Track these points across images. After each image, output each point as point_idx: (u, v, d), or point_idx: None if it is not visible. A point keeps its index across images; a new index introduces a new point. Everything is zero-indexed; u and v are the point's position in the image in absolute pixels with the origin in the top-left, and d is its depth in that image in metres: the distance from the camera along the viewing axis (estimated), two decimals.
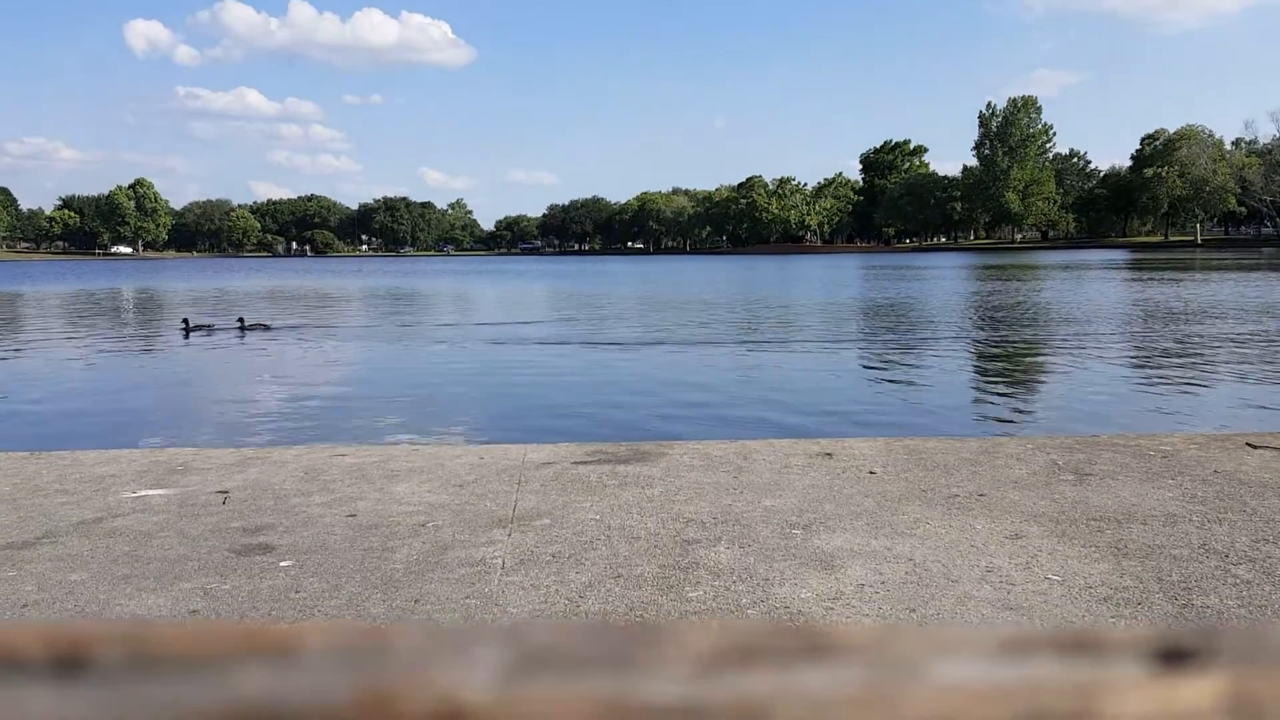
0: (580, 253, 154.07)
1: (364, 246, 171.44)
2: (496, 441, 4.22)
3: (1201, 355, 8.83)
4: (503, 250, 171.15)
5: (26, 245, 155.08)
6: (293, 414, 6.31)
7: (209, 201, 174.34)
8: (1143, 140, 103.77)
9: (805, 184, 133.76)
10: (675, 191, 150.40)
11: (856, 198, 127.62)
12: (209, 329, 12.78)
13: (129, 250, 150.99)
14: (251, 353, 10.24)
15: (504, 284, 31.07)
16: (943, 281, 26.30)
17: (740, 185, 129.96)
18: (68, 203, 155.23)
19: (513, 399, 7.05)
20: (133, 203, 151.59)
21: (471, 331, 12.94)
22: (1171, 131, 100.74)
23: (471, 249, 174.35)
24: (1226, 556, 1.89)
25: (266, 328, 13.01)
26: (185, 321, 13.18)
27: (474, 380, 7.99)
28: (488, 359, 9.62)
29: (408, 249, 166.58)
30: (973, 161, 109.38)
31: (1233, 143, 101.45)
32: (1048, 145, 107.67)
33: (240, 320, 13.15)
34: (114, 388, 8.05)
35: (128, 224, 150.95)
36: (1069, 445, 2.94)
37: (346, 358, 9.89)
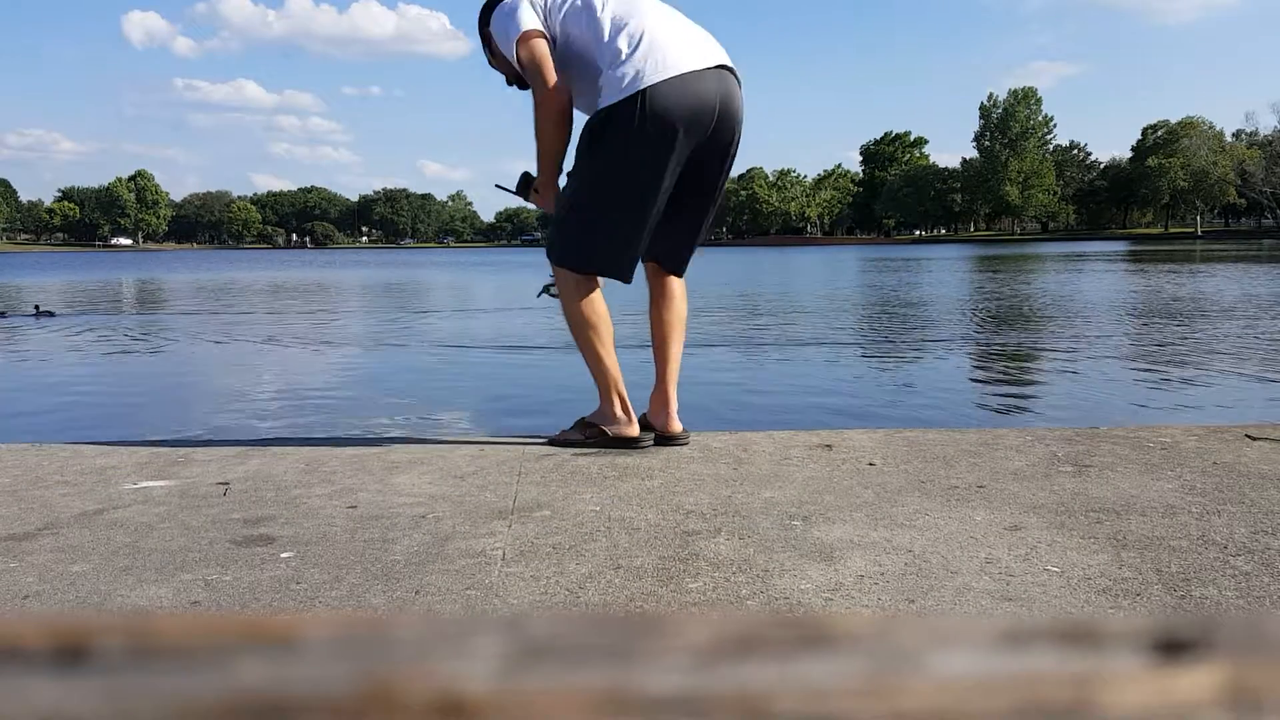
0: None
1: (364, 238, 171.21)
2: (497, 433, 4.22)
3: (1202, 347, 8.83)
4: (503, 242, 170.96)
5: (27, 237, 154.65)
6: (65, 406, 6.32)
7: (209, 193, 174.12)
8: (1144, 131, 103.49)
9: (805, 175, 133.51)
10: None
11: (856, 189, 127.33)
12: (3, 315, 13.49)
13: (129, 242, 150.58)
14: (42, 339, 10.26)
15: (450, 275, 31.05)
16: (942, 273, 26.30)
17: (740, 177, 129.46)
18: (67, 194, 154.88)
19: (508, 393, 7.06)
20: (133, 194, 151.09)
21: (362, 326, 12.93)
22: (1174, 122, 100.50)
23: (472, 240, 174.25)
24: (1225, 548, 1.89)
25: (52, 314, 13.72)
26: None
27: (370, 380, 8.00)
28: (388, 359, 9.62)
29: (408, 240, 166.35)
30: (973, 153, 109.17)
31: (1233, 134, 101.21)
32: (1048, 137, 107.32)
33: (36, 307, 14.06)
34: None
35: (128, 215, 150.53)
36: (1068, 437, 2.94)
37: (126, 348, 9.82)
